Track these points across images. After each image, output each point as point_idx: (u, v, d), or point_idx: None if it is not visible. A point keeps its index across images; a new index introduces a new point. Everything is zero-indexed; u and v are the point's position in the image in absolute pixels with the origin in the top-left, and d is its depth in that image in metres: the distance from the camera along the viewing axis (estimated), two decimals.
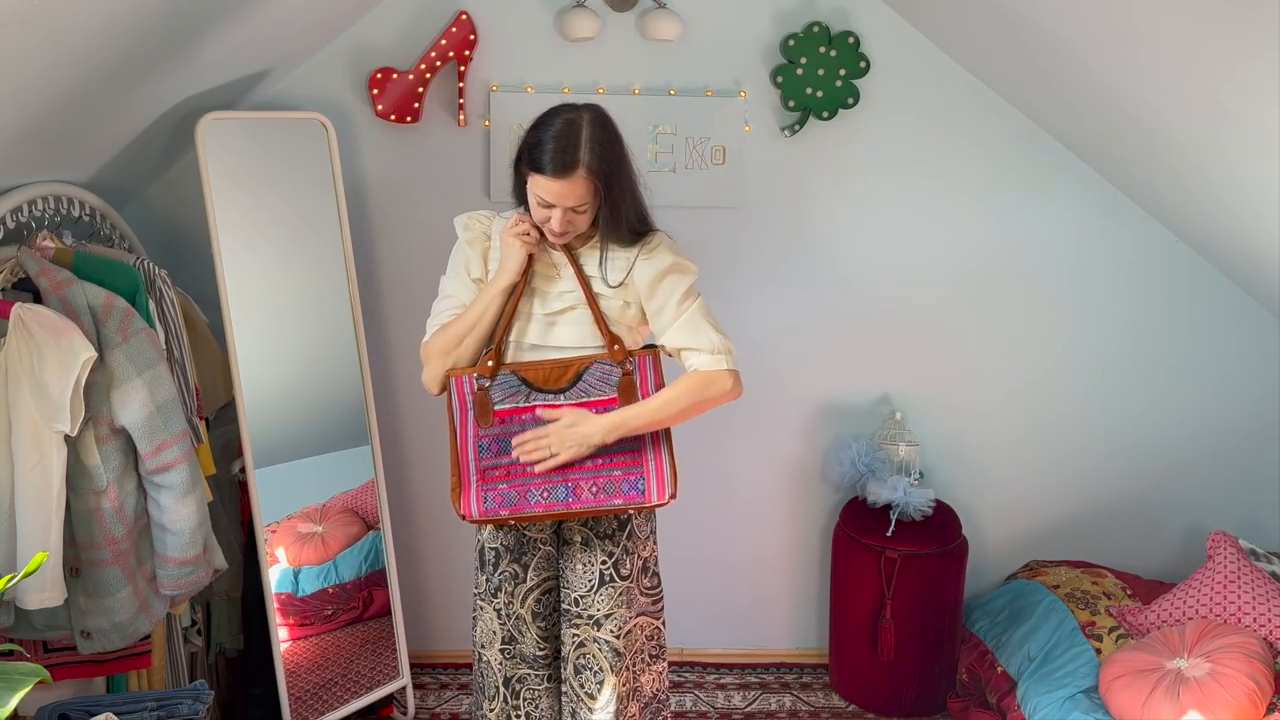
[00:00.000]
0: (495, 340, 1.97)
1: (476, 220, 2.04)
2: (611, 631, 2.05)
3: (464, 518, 1.98)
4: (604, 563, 2.05)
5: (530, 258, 1.95)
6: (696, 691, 3.07)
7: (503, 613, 2.09)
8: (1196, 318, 3.00)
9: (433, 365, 2.02)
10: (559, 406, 1.96)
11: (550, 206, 1.88)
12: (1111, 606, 2.77)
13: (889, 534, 2.83)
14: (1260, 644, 2.37)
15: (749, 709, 3.00)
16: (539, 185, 1.87)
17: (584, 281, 1.97)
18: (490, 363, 1.96)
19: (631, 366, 1.96)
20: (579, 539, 2.06)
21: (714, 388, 1.95)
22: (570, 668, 2.09)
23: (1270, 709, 2.23)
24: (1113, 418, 3.07)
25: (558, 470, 1.96)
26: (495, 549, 2.09)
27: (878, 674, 2.92)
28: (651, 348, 2.01)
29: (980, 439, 3.08)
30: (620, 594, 2.05)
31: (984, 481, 3.11)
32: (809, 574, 3.19)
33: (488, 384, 1.96)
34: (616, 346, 1.96)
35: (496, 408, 1.96)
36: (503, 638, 2.10)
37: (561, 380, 1.95)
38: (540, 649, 2.11)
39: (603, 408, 1.95)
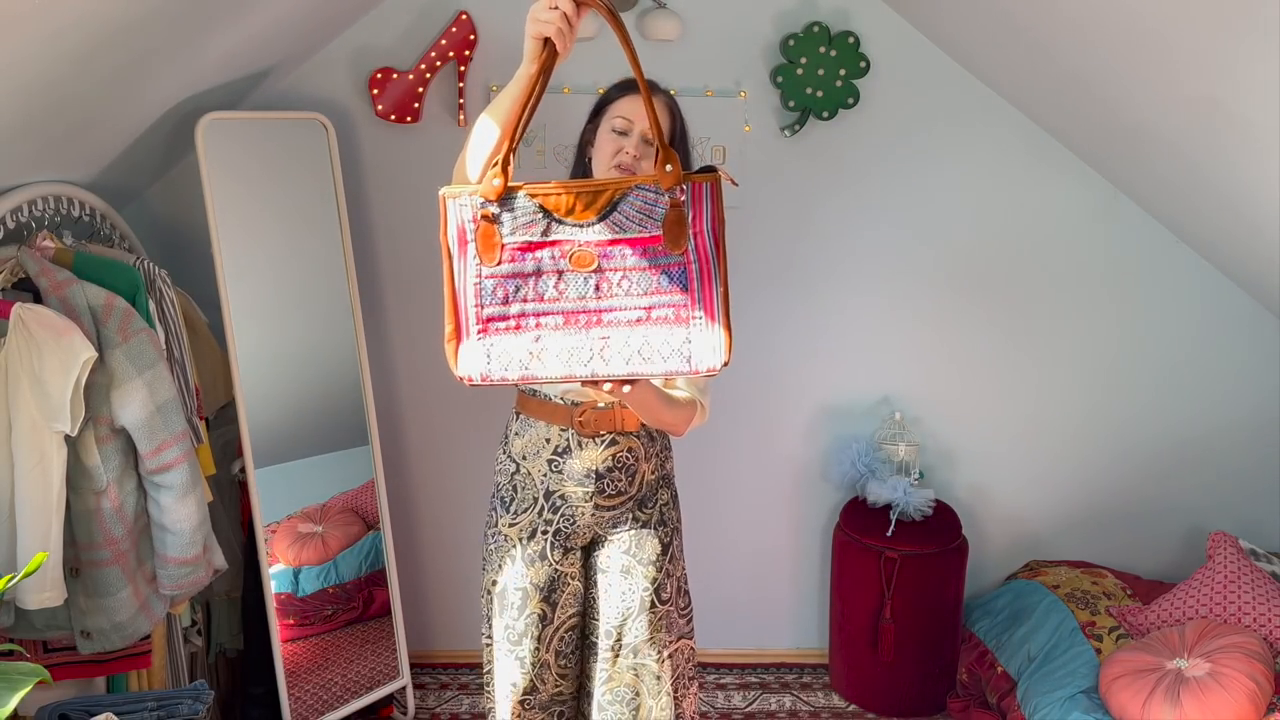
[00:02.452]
0: (502, 153, 1.50)
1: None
2: (653, 658, 1.94)
3: (464, 382, 1.53)
4: (645, 589, 1.93)
5: (554, 54, 1.53)
6: (697, 692, 3.07)
7: (526, 661, 1.93)
8: (1196, 318, 3.00)
9: None
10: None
11: (626, 134, 1.81)
12: (1111, 606, 2.77)
13: (889, 534, 2.83)
14: (1260, 644, 2.37)
15: (749, 709, 2.99)
16: (618, 108, 1.82)
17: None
18: (496, 182, 1.47)
19: (684, 196, 1.46)
20: (619, 566, 1.94)
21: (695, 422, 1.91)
22: (594, 704, 1.97)
23: (1270, 709, 2.23)
24: (1112, 418, 3.07)
25: (585, 321, 1.50)
26: (523, 590, 1.92)
27: (878, 674, 2.92)
28: (711, 170, 1.49)
29: (980, 439, 3.08)
30: (660, 619, 1.95)
31: (984, 482, 3.11)
32: (809, 574, 3.19)
33: (495, 210, 1.48)
34: (669, 167, 1.45)
35: (505, 241, 1.49)
36: (524, 689, 1.94)
37: (590, 210, 1.47)
38: (557, 687, 1.99)
39: (644, 248, 1.48)
